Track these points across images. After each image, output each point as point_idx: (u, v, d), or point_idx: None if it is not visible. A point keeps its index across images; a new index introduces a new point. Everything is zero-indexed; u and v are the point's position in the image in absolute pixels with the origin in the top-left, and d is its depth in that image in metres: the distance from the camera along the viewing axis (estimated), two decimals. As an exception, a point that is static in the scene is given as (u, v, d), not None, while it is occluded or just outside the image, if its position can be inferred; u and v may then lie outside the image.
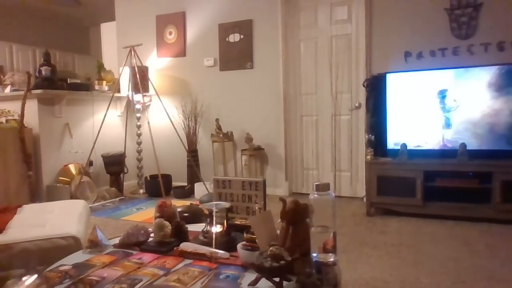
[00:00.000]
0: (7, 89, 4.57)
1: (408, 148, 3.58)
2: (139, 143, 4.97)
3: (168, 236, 1.59)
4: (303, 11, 4.58)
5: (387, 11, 4.10)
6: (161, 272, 1.29)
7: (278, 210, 1.28)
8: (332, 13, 4.42)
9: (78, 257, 1.52)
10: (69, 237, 1.89)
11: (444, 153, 3.56)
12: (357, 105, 4.33)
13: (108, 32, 6.40)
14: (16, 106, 4.11)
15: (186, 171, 4.97)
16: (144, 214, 3.94)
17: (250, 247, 1.33)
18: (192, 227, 1.73)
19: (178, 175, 5.12)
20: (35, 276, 1.25)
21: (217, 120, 4.81)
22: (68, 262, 1.45)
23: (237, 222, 1.67)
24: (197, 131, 4.97)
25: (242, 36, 4.83)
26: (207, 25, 5.05)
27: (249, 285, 1.15)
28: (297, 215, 1.25)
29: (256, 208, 1.64)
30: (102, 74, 5.21)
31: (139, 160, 4.98)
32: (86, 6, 7.17)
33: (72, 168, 4.50)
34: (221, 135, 4.75)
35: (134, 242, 1.59)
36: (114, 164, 4.78)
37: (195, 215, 2.54)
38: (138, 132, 4.96)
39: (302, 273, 1.10)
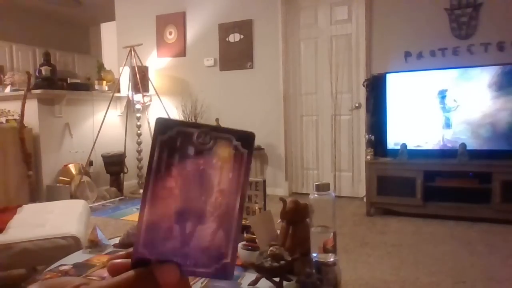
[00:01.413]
0: (7, 89, 4.57)
1: (408, 148, 3.57)
2: (139, 143, 4.97)
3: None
4: (303, 11, 4.58)
5: (387, 11, 4.10)
6: (161, 272, 1.29)
7: (278, 210, 1.28)
8: (332, 13, 4.42)
9: (78, 257, 1.52)
10: (69, 237, 1.89)
11: (444, 153, 3.55)
12: (357, 105, 4.33)
13: (108, 32, 6.40)
14: (16, 106, 4.11)
15: (186, 171, 4.96)
16: (144, 214, 3.93)
17: (250, 247, 1.33)
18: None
19: (178, 175, 5.11)
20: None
21: (217, 120, 4.81)
22: (68, 262, 1.45)
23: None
24: (197, 131, 4.96)
25: (242, 36, 4.83)
26: (207, 25, 5.05)
27: (249, 285, 1.14)
28: (297, 215, 1.25)
29: (256, 208, 1.64)
30: (102, 74, 5.21)
31: (139, 160, 4.98)
32: (86, 6, 7.17)
33: (72, 168, 4.49)
34: (221, 135, 4.74)
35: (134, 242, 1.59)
36: (114, 164, 4.78)
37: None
38: (138, 132, 4.96)
39: (302, 273, 1.10)
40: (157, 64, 5.40)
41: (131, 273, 0.29)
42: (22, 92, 4.10)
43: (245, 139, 0.31)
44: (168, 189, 0.30)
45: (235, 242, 0.31)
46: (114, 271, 0.30)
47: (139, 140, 4.96)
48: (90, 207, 3.61)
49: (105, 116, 4.53)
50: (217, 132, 0.30)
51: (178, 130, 0.30)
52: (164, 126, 0.30)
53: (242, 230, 1.49)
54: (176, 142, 0.30)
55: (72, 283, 0.29)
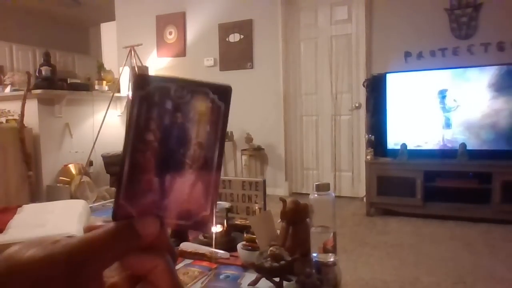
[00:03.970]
0: (7, 89, 4.57)
1: (408, 148, 3.57)
2: (139, 143, 4.96)
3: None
4: (303, 11, 4.58)
5: (387, 11, 4.10)
6: (161, 272, 1.29)
7: (278, 210, 1.28)
8: (332, 13, 4.42)
9: (78, 257, 1.52)
10: (69, 237, 1.89)
11: (444, 153, 3.55)
12: (357, 105, 4.33)
13: (108, 32, 6.40)
14: (16, 106, 4.11)
15: (186, 171, 4.96)
16: (144, 214, 3.93)
17: (250, 247, 1.33)
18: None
19: (178, 175, 5.11)
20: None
21: (217, 120, 4.81)
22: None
23: (237, 222, 1.67)
24: (197, 131, 4.97)
25: (242, 36, 4.83)
26: (207, 25, 5.05)
27: (249, 285, 1.14)
28: (297, 215, 1.25)
29: (256, 208, 1.64)
30: (102, 74, 5.21)
31: (139, 160, 4.98)
32: (86, 6, 7.17)
33: (72, 168, 4.49)
34: (221, 135, 4.75)
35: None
36: (114, 164, 4.77)
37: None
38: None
39: (302, 273, 1.10)
40: (157, 64, 5.40)
41: (111, 224, 0.29)
42: (22, 92, 4.10)
43: (222, 92, 0.31)
44: (147, 143, 0.30)
45: (214, 195, 0.31)
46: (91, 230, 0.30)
47: (139, 140, 4.96)
48: (90, 207, 3.61)
49: (105, 116, 4.53)
50: (194, 86, 0.31)
51: (156, 85, 0.30)
52: (142, 82, 0.30)
53: (242, 230, 1.49)
54: (154, 97, 0.30)
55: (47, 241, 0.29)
